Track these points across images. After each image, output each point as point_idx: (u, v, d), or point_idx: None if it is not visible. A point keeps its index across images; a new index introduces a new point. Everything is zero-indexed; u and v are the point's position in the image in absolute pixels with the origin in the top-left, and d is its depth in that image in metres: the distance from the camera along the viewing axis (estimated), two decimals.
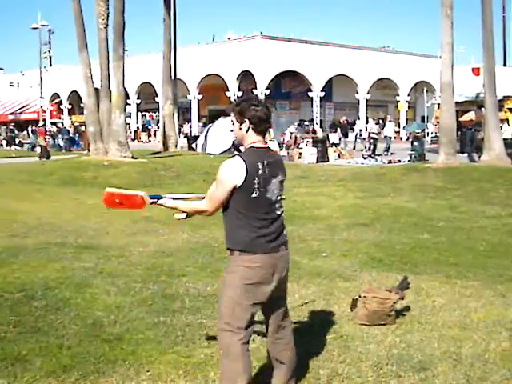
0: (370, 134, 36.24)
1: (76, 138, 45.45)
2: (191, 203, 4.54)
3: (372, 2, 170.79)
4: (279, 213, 4.37)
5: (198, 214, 4.58)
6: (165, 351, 5.52)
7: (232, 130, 4.43)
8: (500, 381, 4.99)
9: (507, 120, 31.67)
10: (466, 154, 28.65)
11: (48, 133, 45.46)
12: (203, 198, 4.47)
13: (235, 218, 4.27)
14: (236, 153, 4.34)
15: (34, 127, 54.51)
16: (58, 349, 5.52)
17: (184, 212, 4.59)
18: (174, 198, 4.66)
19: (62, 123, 59.87)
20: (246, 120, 4.27)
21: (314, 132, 36.33)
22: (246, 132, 4.29)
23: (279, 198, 4.38)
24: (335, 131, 37.42)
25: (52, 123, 60.32)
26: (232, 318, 4.24)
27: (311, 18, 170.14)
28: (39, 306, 6.76)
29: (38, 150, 40.36)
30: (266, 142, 4.45)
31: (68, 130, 47.89)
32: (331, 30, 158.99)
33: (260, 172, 4.19)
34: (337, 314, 6.62)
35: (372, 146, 34.22)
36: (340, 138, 35.90)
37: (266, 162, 4.24)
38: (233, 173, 4.15)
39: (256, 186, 4.19)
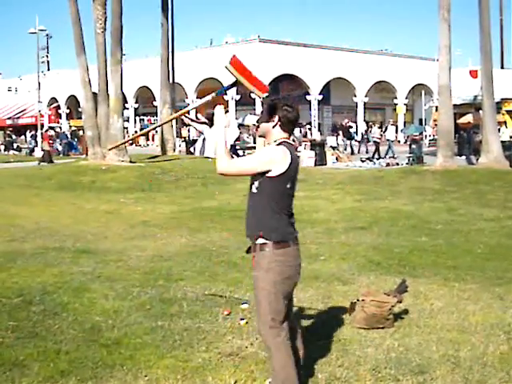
0: (373, 138, 36.27)
1: (74, 143, 45.44)
2: (222, 145, 4.39)
3: (369, 5, 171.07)
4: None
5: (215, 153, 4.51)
6: (163, 356, 5.51)
7: (257, 121, 4.56)
8: None
9: (505, 122, 31.74)
10: (464, 157, 28.70)
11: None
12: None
13: (269, 208, 4.32)
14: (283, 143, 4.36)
15: (32, 132, 54.54)
16: (56, 354, 5.51)
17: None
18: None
19: (60, 127, 59.85)
20: (276, 117, 4.39)
21: (305, 135, 36.37)
22: (273, 127, 4.41)
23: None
24: (338, 134, 37.34)
25: (50, 128, 60.34)
26: (275, 314, 4.33)
27: (309, 21, 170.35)
28: (37, 310, 6.75)
29: (36, 153, 40.47)
30: (294, 141, 4.62)
31: (66, 135, 47.88)
32: (329, 33, 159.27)
33: (296, 165, 4.37)
34: (335, 317, 6.61)
35: (375, 149, 34.21)
36: (343, 141, 35.64)
37: (296, 157, 4.40)
38: (280, 158, 4.26)
39: (292, 177, 4.35)
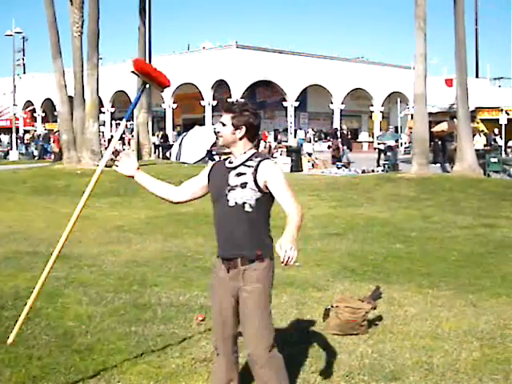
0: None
1: (48, 147, 45.02)
2: (295, 224, 3.99)
3: (347, 13, 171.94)
4: None
5: None
6: (136, 361, 5.48)
7: (218, 132, 4.26)
8: None
9: (479, 131, 32.00)
10: (438, 165, 28.89)
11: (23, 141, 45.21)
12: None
13: (263, 222, 4.16)
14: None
15: (4, 134, 54.12)
16: (28, 359, 5.46)
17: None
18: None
19: (35, 131, 59.39)
20: (243, 127, 4.14)
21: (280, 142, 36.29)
22: (240, 139, 4.16)
23: None
24: (336, 139, 36.80)
25: (25, 131, 59.87)
26: (272, 330, 4.17)
27: (286, 28, 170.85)
28: (9, 316, 6.69)
29: (11, 157, 40.18)
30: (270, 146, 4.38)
31: (39, 138, 47.46)
32: (306, 40, 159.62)
33: None
34: (309, 323, 6.62)
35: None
36: (343, 151, 34.69)
37: None
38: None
39: None
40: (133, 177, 4.47)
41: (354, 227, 13.39)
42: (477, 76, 49.41)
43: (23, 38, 74.41)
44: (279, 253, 3.69)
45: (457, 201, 17.47)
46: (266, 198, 4.09)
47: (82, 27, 25.42)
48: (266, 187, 4.06)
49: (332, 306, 6.44)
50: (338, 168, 29.20)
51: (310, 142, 37.68)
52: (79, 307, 7.10)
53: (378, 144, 35.94)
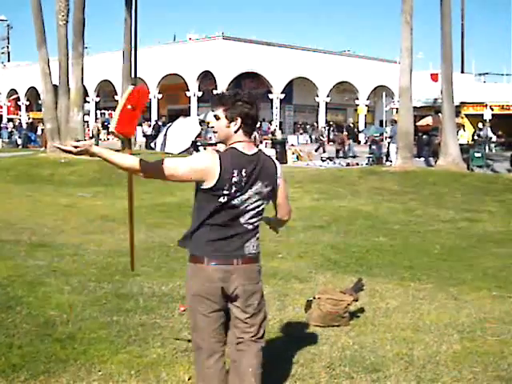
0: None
1: (32, 135, 44.75)
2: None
3: (333, 6, 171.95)
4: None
5: None
6: (117, 351, 5.47)
7: (212, 127, 4.02)
8: (450, 382, 5.05)
9: (463, 126, 32.13)
10: (422, 159, 28.98)
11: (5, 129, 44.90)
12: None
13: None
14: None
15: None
16: (8, 348, 5.43)
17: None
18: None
19: (20, 120, 59.07)
20: (238, 118, 3.84)
21: (273, 133, 36.17)
22: (235, 132, 3.87)
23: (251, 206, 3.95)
24: (341, 133, 36.63)
25: (9, 119, 59.47)
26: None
27: (273, 20, 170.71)
28: None
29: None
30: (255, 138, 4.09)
31: (22, 127, 47.22)
32: (292, 32, 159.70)
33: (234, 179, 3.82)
34: (291, 315, 6.63)
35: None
36: (349, 144, 34.46)
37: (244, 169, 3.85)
38: None
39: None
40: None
41: (338, 220, 13.42)
42: (462, 71, 49.52)
43: (8, 25, 74.17)
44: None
45: (440, 195, 17.54)
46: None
47: (67, 16, 25.25)
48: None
49: (314, 298, 6.45)
50: (323, 161, 29.25)
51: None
52: (61, 296, 7.07)
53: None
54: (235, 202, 3.83)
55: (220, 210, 3.84)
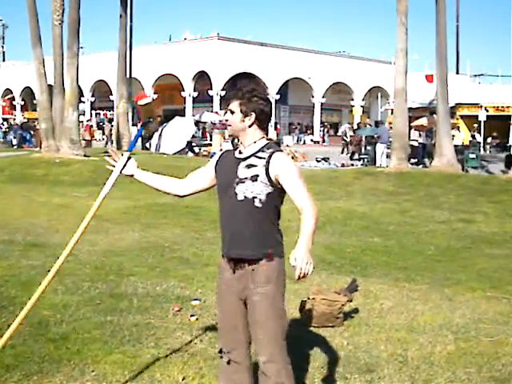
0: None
1: (27, 135, 44.58)
2: (309, 231, 3.82)
3: (329, 7, 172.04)
4: None
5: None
6: (111, 351, 5.45)
7: (227, 120, 3.97)
8: (444, 383, 5.05)
9: (458, 127, 32.20)
10: (415, 160, 29.00)
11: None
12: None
13: (272, 219, 3.92)
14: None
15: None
16: (1, 348, 5.40)
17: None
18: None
19: (14, 119, 58.94)
20: (253, 114, 3.84)
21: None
22: (250, 126, 3.86)
23: None
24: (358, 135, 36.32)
25: (4, 119, 59.35)
26: (285, 331, 3.93)
27: (269, 21, 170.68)
28: None
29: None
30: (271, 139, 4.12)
31: (18, 127, 47.01)
32: (288, 33, 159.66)
33: None
34: None
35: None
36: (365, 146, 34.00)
37: None
38: None
39: None
40: (133, 175, 4.22)
41: (333, 220, 13.42)
42: (457, 72, 49.64)
43: (3, 25, 74.09)
44: (293, 264, 3.60)
45: (435, 196, 17.55)
46: (278, 193, 3.85)
47: (62, 15, 25.16)
48: (278, 181, 3.80)
49: (308, 298, 6.46)
50: (318, 161, 29.22)
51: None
52: (55, 296, 7.04)
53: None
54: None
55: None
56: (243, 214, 3.81)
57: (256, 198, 3.79)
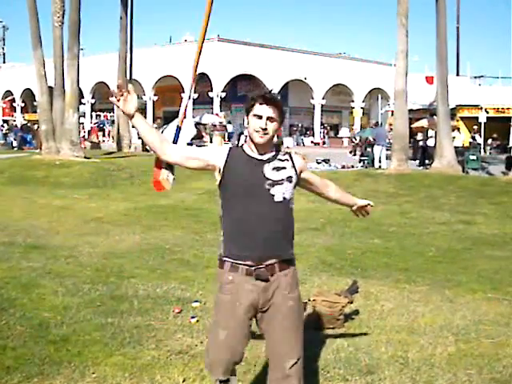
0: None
1: (27, 137, 44.60)
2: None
3: (329, 9, 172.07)
4: None
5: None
6: (111, 353, 5.45)
7: (265, 129, 3.69)
8: None
9: (458, 128, 32.22)
10: (417, 161, 29.00)
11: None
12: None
13: (293, 220, 3.90)
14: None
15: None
16: (2, 350, 5.40)
17: None
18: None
19: (15, 121, 58.98)
20: (282, 125, 3.89)
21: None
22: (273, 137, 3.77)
23: None
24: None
25: (4, 121, 59.37)
26: None
27: (269, 22, 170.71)
28: None
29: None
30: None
31: (18, 129, 47.05)
32: (288, 34, 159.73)
33: None
34: None
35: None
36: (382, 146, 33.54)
37: None
38: None
39: None
40: (132, 116, 3.84)
41: (333, 222, 13.41)
42: (457, 74, 49.66)
43: (4, 27, 74.09)
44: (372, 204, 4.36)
45: (435, 197, 17.54)
46: (294, 189, 3.86)
47: (63, 17, 25.17)
48: (299, 179, 3.88)
49: (309, 300, 6.45)
50: (318, 163, 29.21)
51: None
52: (55, 298, 7.04)
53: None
54: None
55: None
56: (280, 215, 3.76)
57: (292, 199, 3.82)
